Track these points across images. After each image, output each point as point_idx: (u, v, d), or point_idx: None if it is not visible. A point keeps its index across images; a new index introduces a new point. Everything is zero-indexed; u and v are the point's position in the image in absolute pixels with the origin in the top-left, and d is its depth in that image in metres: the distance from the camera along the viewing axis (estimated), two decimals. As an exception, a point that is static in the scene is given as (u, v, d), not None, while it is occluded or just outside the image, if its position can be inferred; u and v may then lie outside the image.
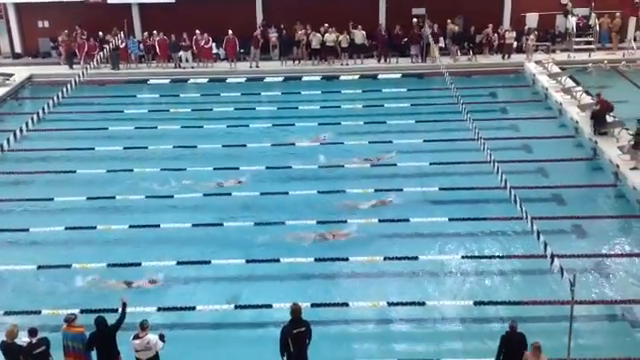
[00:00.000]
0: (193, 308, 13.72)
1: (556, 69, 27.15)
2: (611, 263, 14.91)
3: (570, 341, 10.42)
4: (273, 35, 30.33)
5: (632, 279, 14.34)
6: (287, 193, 18.42)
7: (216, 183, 19.20)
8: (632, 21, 29.97)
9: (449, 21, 29.36)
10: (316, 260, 15.14)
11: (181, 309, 13.71)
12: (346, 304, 13.51)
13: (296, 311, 11.19)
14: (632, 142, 18.48)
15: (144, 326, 11.33)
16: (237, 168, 20.17)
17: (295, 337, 11.11)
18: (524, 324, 11.42)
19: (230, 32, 29.54)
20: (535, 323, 12.52)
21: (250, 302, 13.84)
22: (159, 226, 16.97)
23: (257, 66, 29.90)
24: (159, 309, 13.67)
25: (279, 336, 11.22)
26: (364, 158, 20.48)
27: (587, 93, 24.29)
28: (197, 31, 29.75)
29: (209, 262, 15.25)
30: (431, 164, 19.96)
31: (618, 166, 18.47)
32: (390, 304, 13.58)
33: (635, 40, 29.69)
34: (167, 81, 29.42)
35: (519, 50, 29.44)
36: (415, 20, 29.48)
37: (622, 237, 15.92)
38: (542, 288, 13.85)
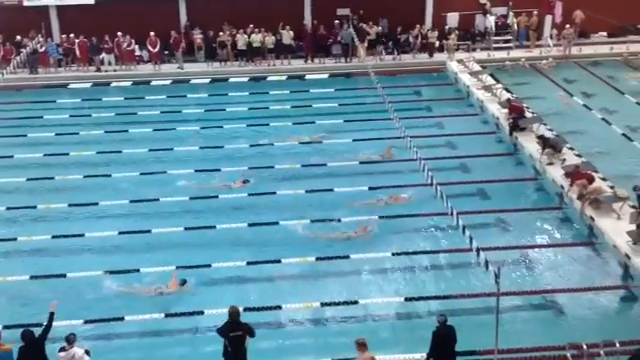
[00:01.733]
0: (122, 319, 13.36)
1: (477, 67, 27.94)
2: (534, 254, 15.43)
3: (497, 332, 10.71)
4: (198, 36, 29.96)
5: (554, 269, 14.90)
6: (217, 197, 18.23)
7: (223, 184, 18.90)
8: (548, 19, 31.15)
9: (370, 23, 29.68)
10: (248, 264, 15.03)
11: (109, 320, 13.31)
12: (279, 307, 13.47)
13: (233, 314, 11.07)
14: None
15: (70, 340, 10.99)
16: (164, 172, 19.84)
17: (231, 339, 11.03)
18: (453, 317, 11.67)
19: (152, 33, 28.98)
20: (464, 316, 12.82)
21: (182, 310, 13.59)
22: (84, 235, 16.47)
23: (182, 68, 29.45)
24: (86, 322, 13.25)
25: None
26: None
27: (507, 90, 25.11)
28: (119, 33, 29.04)
29: (138, 270, 14.91)
30: (361, 163, 20.17)
31: (539, 150, 19.14)
32: (323, 304, 13.62)
33: (551, 38, 30.89)
34: (88, 85, 28.64)
35: (441, 49, 30.13)
36: (337, 21, 29.67)
37: (543, 229, 16.50)
38: (470, 281, 14.20)
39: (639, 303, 13.48)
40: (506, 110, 22.23)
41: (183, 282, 14.40)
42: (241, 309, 11.46)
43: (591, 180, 16.86)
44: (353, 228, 16.39)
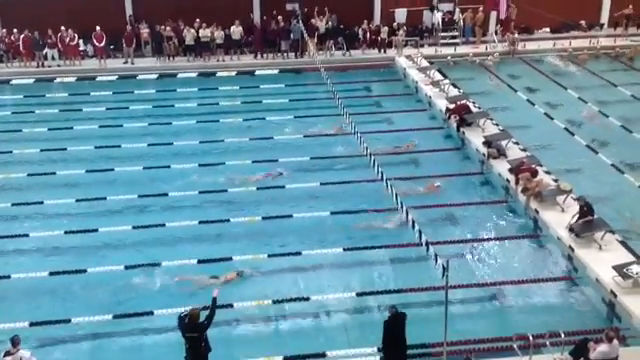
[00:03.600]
0: (68, 321, 13.07)
1: (425, 63, 28.28)
2: (481, 247, 15.72)
3: (446, 324, 10.88)
4: (145, 31, 29.45)
5: (501, 261, 15.20)
6: (167, 194, 17.99)
7: (247, 177, 18.71)
8: (493, 15, 31.77)
9: (319, 17, 29.66)
10: (199, 262, 14.90)
11: (54, 322, 13.01)
12: (230, 305, 13.39)
13: (192, 316, 10.99)
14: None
15: (15, 342, 10.70)
16: (112, 169, 19.49)
17: (188, 339, 10.99)
18: (404, 311, 11.79)
19: (98, 28, 28.34)
20: (414, 309, 12.97)
21: (131, 310, 13.36)
22: (28, 235, 16.05)
23: (132, 63, 28.90)
24: (31, 324, 12.92)
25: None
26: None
27: (454, 86, 25.50)
28: (62, 27, 28.30)
29: (85, 271, 14.61)
30: (312, 159, 20.21)
31: (484, 155, 19.53)
32: (275, 301, 13.61)
33: (496, 34, 31.51)
34: (31, 81, 27.86)
35: (389, 45, 30.39)
36: (279, 17, 29.60)
37: (490, 222, 16.79)
38: (421, 275, 14.35)
39: (582, 294, 13.86)
40: (450, 111, 22.49)
41: (240, 272, 14.44)
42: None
43: (535, 174, 17.29)
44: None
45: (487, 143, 19.68)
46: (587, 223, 15.06)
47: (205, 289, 13.48)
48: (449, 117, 22.40)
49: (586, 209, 15.13)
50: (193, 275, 14.35)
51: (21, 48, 28.29)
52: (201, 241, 15.93)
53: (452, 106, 22.70)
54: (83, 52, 29.41)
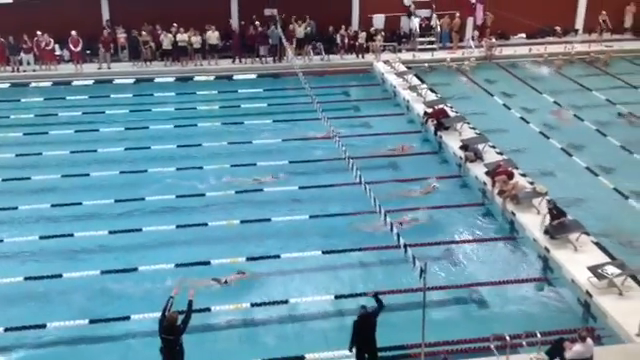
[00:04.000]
0: (44, 326, 12.90)
1: (403, 68, 28.45)
2: (459, 249, 15.81)
3: (424, 326, 10.92)
4: (121, 36, 29.27)
5: (478, 263, 15.31)
6: (144, 199, 17.86)
7: (252, 179, 18.79)
8: (470, 21, 32.08)
9: (299, 22, 29.72)
10: (177, 266, 14.81)
11: (28, 328, 12.83)
12: (208, 309, 13.32)
13: (169, 319, 10.91)
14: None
15: None
16: (88, 175, 19.34)
17: (163, 340, 10.93)
18: (382, 313, 11.82)
19: (74, 33, 28.11)
20: (393, 312, 12.99)
21: (106, 315, 13.22)
22: (2, 241, 15.87)
23: (109, 67, 28.71)
24: (6, 329, 12.74)
25: None
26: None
27: (432, 90, 25.67)
28: (38, 32, 28.04)
29: (61, 276, 14.45)
30: (290, 162, 20.20)
31: (462, 158, 19.68)
32: (253, 305, 13.56)
33: (473, 39, 31.80)
34: (6, 85, 27.59)
35: (367, 50, 30.52)
36: (257, 22, 29.59)
37: (468, 224, 16.93)
38: (399, 278, 14.39)
39: (558, 294, 13.99)
40: (428, 115, 22.65)
41: (240, 272, 14.47)
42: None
43: (511, 176, 17.45)
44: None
45: (464, 147, 19.83)
46: (562, 225, 15.23)
47: (209, 289, 13.77)
48: (427, 121, 22.55)
49: (555, 212, 15.31)
50: (194, 277, 14.19)
51: (-4, 53, 28.04)
52: (177, 245, 15.83)
53: (430, 110, 22.87)
54: (59, 57, 29.16)
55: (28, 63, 28.46)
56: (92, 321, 13.07)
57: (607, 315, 12.60)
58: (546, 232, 15.19)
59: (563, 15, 33.28)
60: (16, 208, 17.35)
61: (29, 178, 19.11)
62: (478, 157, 19.39)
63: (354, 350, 11.38)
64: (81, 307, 13.59)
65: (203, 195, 18.17)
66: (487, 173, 18.16)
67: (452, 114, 22.66)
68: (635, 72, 28.68)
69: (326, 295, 13.98)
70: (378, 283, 14.32)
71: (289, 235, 16.34)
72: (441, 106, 23.12)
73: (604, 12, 32.16)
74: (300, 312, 13.56)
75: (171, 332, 10.90)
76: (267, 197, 18.13)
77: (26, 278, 14.40)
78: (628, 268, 13.47)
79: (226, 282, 14.22)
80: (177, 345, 10.97)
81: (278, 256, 15.26)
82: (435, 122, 21.93)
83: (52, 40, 28.47)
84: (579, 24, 33.81)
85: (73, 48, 28.46)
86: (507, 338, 11.04)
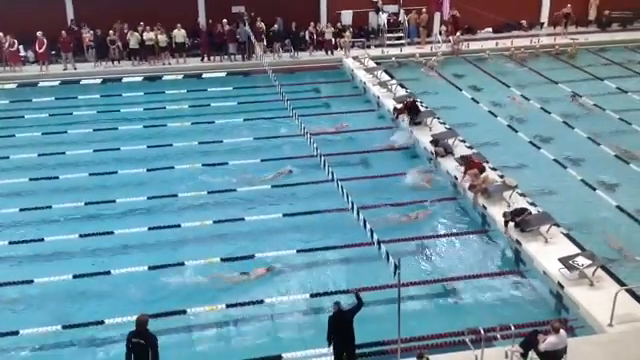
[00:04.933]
0: (16, 333, 12.70)
1: (372, 64, 28.53)
2: (431, 244, 15.92)
3: (399, 322, 10.99)
4: (87, 35, 28.83)
5: (451, 257, 15.45)
6: (114, 201, 17.66)
7: (261, 177, 18.79)
8: (437, 16, 32.28)
9: (258, 19, 29.60)
10: (150, 268, 14.68)
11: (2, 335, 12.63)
12: (184, 311, 13.23)
13: (139, 322, 10.73)
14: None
15: None
16: (57, 177, 19.05)
17: (133, 346, 10.69)
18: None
19: (39, 33, 27.61)
20: (368, 307, 12.98)
21: (81, 320, 13.06)
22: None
23: (74, 68, 28.28)
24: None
25: None
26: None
27: (401, 86, 25.80)
28: (0, 33, 27.48)
29: (32, 281, 14.22)
30: (262, 161, 20.14)
31: (432, 153, 19.82)
32: (229, 306, 13.51)
33: (440, 34, 32.03)
34: (-31, 88, 26.97)
35: (336, 47, 30.54)
36: (225, 20, 29.41)
37: (440, 218, 17.07)
38: (374, 274, 14.41)
39: (531, 287, 14.18)
40: (397, 111, 22.79)
41: (269, 268, 14.61)
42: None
43: (482, 170, 17.63)
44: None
45: (434, 142, 19.97)
46: (532, 217, 15.45)
47: (239, 284, 14.12)
48: (397, 117, 22.66)
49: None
50: (223, 273, 14.41)
51: (-43, 55, 27.44)
52: (151, 247, 15.70)
53: (400, 106, 22.96)
54: (24, 58, 28.62)
55: (-9, 65, 27.92)
56: (65, 326, 12.87)
57: (579, 306, 12.82)
58: (517, 225, 15.28)
59: (528, 9, 33.71)
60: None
61: (-5, 182, 18.78)
62: (448, 152, 19.55)
63: (331, 347, 11.42)
64: (55, 312, 13.38)
65: (175, 195, 18.01)
66: (459, 166, 18.29)
67: (422, 109, 22.77)
68: (600, 64, 29.18)
69: (301, 294, 13.97)
70: (353, 280, 14.39)
71: (263, 234, 16.28)
72: (411, 99, 23.17)
73: (569, 5, 32.64)
74: (275, 311, 13.53)
75: (142, 336, 10.65)
76: (238, 197, 18.03)
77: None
78: (598, 259, 13.72)
79: (254, 277, 14.32)
80: (148, 353, 10.57)
81: (252, 256, 15.17)
82: (406, 115, 22.02)
83: (16, 41, 27.94)
84: (544, 17, 34.28)
85: (38, 49, 27.95)
86: (482, 331, 11.15)
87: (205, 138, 21.89)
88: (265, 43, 29.29)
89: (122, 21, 28.78)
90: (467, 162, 18.04)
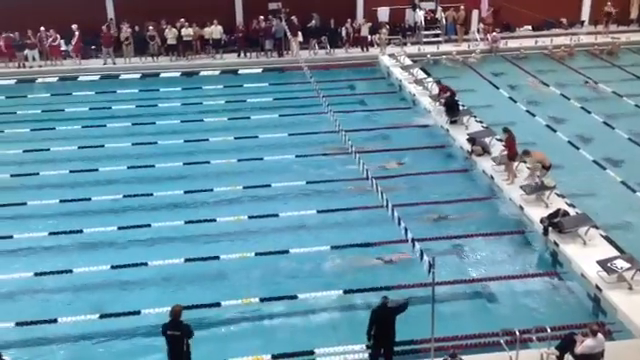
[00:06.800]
0: (55, 321, 12.96)
1: (408, 61, 28.38)
2: (467, 244, 15.77)
3: (433, 321, 10.94)
4: (127, 31, 29.25)
5: (487, 257, 15.28)
6: (152, 194, 17.90)
7: (378, 166, 18.67)
8: (475, 13, 31.97)
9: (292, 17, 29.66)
10: (186, 260, 14.87)
11: (40, 322, 12.90)
12: (218, 304, 13.36)
13: (173, 312, 10.86)
14: (505, 152, 18.49)
15: None
16: (96, 170, 19.37)
17: (169, 338, 10.85)
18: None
19: (74, 26, 28.10)
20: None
21: (117, 310, 13.28)
22: (12, 237, 15.86)
23: (114, 63, 28.73)
24: (17, 324, 12.79)
25: None
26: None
27: (438, 83, 25.59)
28: (42, 28, 28.06)
29: (71, 271, 14.51)
30: (297, 157, 20.21)
31: (469, 152, 19.65)
32: (262, 300, 13.59)
33: (478, 32, 31.70)
34: (12, 82, 27.59)
35: (372, 44, 30.44)
36: (261, 17, 29.52)
37: (476, 218, 16.88)
38: (408, 272, 14.39)
39: (568, 289, 13.96)
40: (439, 97, 22.86)
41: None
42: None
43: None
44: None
45: (471, 140, 19.79)
46: (570, 218, 15.22)
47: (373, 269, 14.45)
48: (439, 94, 22.69)
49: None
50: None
51: (3, 49, 28.00)
52: (186, 240, 15.89)
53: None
54: (64, 52, 29.18)
55: (33, 59, 28.47)
56: (102, 316, 13.11)
57: (617, 309, 12.59)
58: (555, 225, 15.04)
59: (569, 7, 33.16)
60: (25, 204, 17.37)
61: (37, 174, 19.16)
62: (485, 151, 19.36)
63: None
64: (91, 301, 13.63)
65: (211, 190, 18.16)
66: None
67: (460, 108, 22.53)
68: (641, 64, 28.60)
69: (335, 290, 13.94)
70: (386, 277, 14.34)
71: (297, 230, 16.34)
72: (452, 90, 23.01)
73: (610, 3, 32.02)
74: (309, 307, 13.54)
75: (177, 327, 10.79)
76: (274, 192, 18.12)
77: (36, 273, 14.46)
78: (637, 262, 13.45)
79: (391, 261, 14.46)
80: (183, 343, 10.77)
81: (287, 251, 15.22)
82: (447, 94, 22.03)
83: (58, 35, 28.49)
84: (585, 15, 33.68)
85: (74, 43, 28.48)
86: (517, 333, 11.04)
87: (241, 133, 22.02)
88: (301, 39, 29.34)
89: (155, 18, 29.02)
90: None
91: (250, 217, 16.75)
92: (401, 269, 14.59)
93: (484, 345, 12.10)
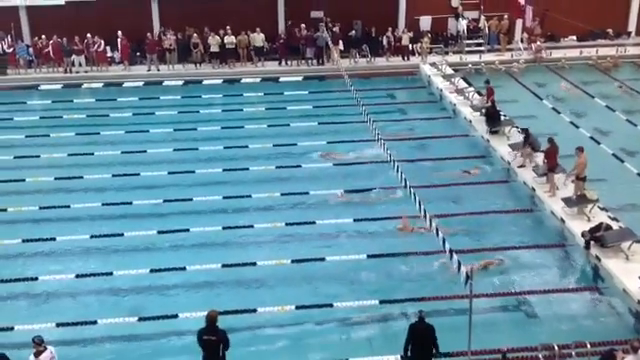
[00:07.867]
0: (94, 322, 13.23)
1: (450, 71, 28.19)
2: (506, 256, 15.56)
3: (470, 333, 10.81)
4: (171, 38, 29.77)
5: (527, 270, 15.03)
6: (191, 199, 18.14)
7: (461, 171, 19.41)
8: (518, 23, 31.60)
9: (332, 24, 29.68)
10: (223, 266, 15.00)
11: (80, 324, 13.18)
12: (254, 310, 13.44)
13: (209, 318, 10.93)
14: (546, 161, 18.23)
15: (37, 341, 10.80)
16: (138, 174, 19.71)
17: (204, 343, 10.90)
18: (427, 319, 11.73)
19: (119, 33, 28.73)
20: (438, 318, 12.86)
21: (155, 313, 13.45)
22: (55, 239, 16.26)
23: (158, 69, 29.26)
24: (57, 325, 13.09)
25: None
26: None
27: (479, 94, 25.38)
28: (88, 34, 28.76)
29: (111, 274, 14.79)
30: (335, 165, 20.24)
31: (509, 162, 19.40)
32: (298, 307, 13.62)
33: (522, 41, 31.31)
34: (59, 86, 28.31)
35: (413, 53, 30.34)
36: (302, 25, 29.69)
37: (516, 231, 16.65)
38: (444, 283, 14.29)
39: (609, 304, 13.67)
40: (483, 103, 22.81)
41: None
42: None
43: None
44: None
45: (526, 137, 19.50)
46: (613, 233, 14.89)
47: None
48: (488, 96, 22.62)
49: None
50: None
51: (51, 54, 28.77)
52: (224, 246, 16.06)
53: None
54: (110, 58, 29.82)
55: (80, 64, 29.17)
56: (141, 319, 13.29)
57: (660, 327, 12.28)
58: (597, 240, 14.76)
59: (615, 17, 32.50)
60: (68, 207, 17.78)
61: (81, 177, 19.59)
62: (535, 149, 19.03)
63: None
64: (130, 304, 13.85)
65: (249, 196, 18.30)
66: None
67: (502, 118, 22.27)
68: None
69: (371, 300, 13.88)
70: (423, 289, 14.23)
71: (334, 238, 16.36)
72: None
73: (658, 13, 31.35)
74: (344, 317, 13.53)
75: (213, 333, 10.87)
76: (313, 200, 18.17)
77: (77, 275, 14.77)
78: (682, 279, 13.09)
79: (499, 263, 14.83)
80: (219, 349, 10.82)
81: (323, 259, 15.24)
82: (489, 110, 21.86)
83: (102, 42, 29.16)
84: (632, 26, 32.98)
85: (120, 49, 29.10)
86: (555, 348, 10.85)
87: (280, 141, 22.15)
88: (342, 48, 29.42)
89: (198, 25, 29.42)
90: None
91: (287, 224, 16.82)
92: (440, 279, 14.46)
93: (522, 359, 11.89)
